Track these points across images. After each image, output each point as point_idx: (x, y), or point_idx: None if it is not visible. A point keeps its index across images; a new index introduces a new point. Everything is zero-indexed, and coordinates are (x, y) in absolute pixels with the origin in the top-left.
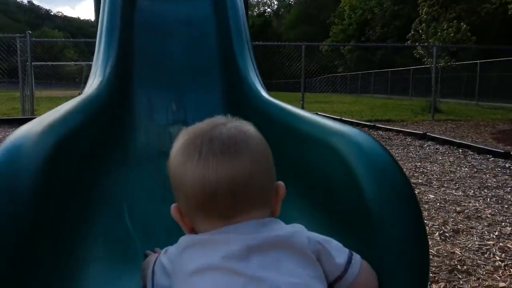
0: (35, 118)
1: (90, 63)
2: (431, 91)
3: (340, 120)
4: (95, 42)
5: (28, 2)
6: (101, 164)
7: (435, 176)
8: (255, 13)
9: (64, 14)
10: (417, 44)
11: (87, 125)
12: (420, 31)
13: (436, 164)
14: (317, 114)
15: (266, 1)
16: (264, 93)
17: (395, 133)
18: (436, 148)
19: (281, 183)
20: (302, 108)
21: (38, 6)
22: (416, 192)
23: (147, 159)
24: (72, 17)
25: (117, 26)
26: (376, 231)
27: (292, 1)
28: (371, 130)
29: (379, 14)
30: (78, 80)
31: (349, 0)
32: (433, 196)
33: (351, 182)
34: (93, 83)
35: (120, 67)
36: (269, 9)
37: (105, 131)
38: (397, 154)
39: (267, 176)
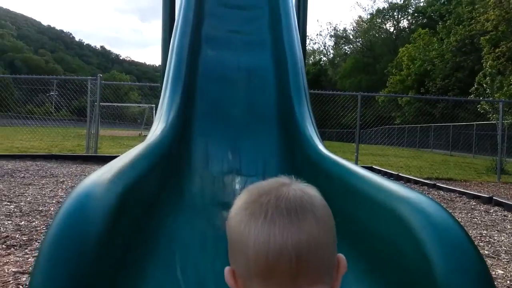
0: (97, 155)
1: (152, 105)
2: (497, 150)
3: (397, 177)
4: (158, 86)
5: (101, 47)
6: (160, 212)
7: (503, 247)
8: (310, 62)
9: (132, 58)
10: (481, 98)
11: (151, 172)
12: (485, 85)
13: (504, 234)
14: (372, 167)
15: (322, 50)
16: (321, 147)
17: (457, 194)
18: (504, 215)
19: (342, 255)
20: (356, 160)
21: (109, 50)
22: None
23: (201, 208)
24: (139, 62)
25: (183, 75)
26: None
27: (348, 51)
28: (431, 190)
29: (439, 65)
30: (140, 121)
31: (407, 50)
32: (502, 272)
33: (418, 254)
34: (157, 128)
35: (182, 113)
36: (324, 58)
37: (165, 177)
38: (460, 219)
39: (332, 246)
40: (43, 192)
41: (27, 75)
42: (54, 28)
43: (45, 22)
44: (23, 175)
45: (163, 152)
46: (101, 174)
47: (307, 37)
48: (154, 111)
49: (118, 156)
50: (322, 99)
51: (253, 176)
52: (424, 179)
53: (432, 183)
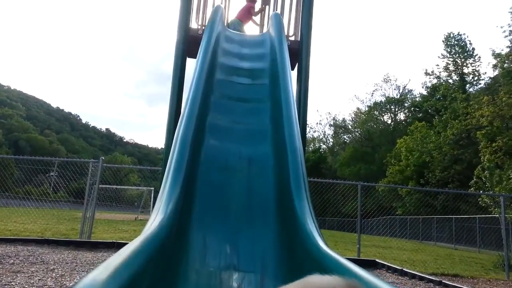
0: (91, 241)
1: (151, 188)
2: (502, 244)
3: (401, 272)
4: (159, 169)
5: (106, 129)
6: None
7: None
8: (310, 149)
9: (135, 141)
10: (481, 192)
11: (147, 268)
12: (484, 179)
13: None
14: (375, 261)
15: (322, 138)
16: (322, 244)
17: None
18: None
19: None
20: (359, 252)
21: (114, 133)
22: None
23: None
24: (141, 144)
25: (184, 164)
26: None
27: (347, 140)
28: (437, 287)
29: (438, 157)
30: (137, 204)
31: (405, 142)
32: None
33: None
34: (155, 219)
35: (181, 204)
36: (324, 146)
37: (162, 272)
38: None
39: None
40: (32, 281)
41: (30, 155)
42: (62, 110)
43: (54, 104)
44: (12, 261)
45: (160, 247)
46: (96, 275)
47: (307, 126)
48: (152, 194)
49: (112, 242)
50: (322, 187)
51: (251, 273)
52: (429, 274)
53: (438, 279)
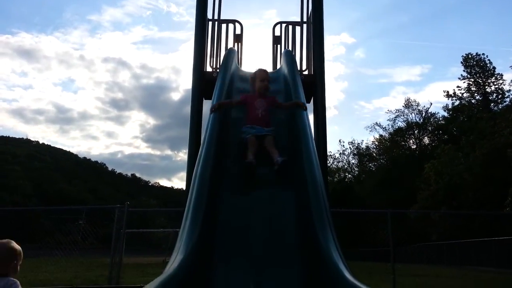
0: (119, 286)
1: (177, 230)
2: None
3: None
4: (184, 210)
5: (132, 174)
6: None
7: None
8: (335, 179)
9: (160, 183)
10: None
11: None
12: None
13: None
14: None
15: (347, 168)
16: (348, 276)
17: None
18: None
19: None
20: (394, 283)
21: (140, 178)
22: None
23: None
24: (166, 187)
25: (204, 202)
26: None
27: (373, 167)
28: None
29: (469, 179)
30: (164, 246)
31: (433, 166)
32: None
33: None
34: (175, 259)
35: (202, 243)
36: (349, 175)
37: None
38: None
39: None
40: None
41: (58, 205)
42: (89, 160)
43: (81, 155)
44: None
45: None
46: None
47: (330, 156)
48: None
49: (140, 286)
50: (351, 217)
51: None
52: None
53: None
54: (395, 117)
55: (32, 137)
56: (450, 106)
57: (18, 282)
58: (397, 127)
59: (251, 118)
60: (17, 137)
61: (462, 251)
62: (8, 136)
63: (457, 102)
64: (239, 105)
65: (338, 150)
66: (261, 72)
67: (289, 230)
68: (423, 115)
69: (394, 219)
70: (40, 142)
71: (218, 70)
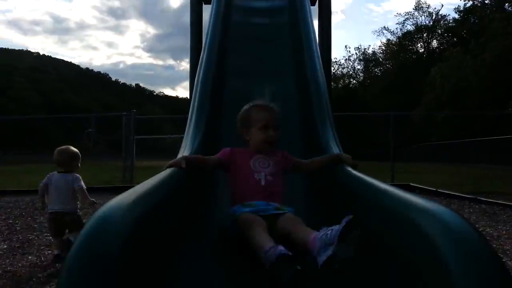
0: (133, 186)
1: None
2: None
3: (436, 192)
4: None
5: (136, 84)
6: (178, 242)
7: None
8: (339, 85)
9: (165, 93)
10: None
11: (171, 199)
12: None
13: None
14: (409, 185)
15: (352, 74)
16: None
17: (501, 207)
18: None
19: None
20: (392, 179)
21: (144, 87)
22: None
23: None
24: (171, 96)
25: (207, 105)
26: None
27: (378, 73)
28: (472, 203)
29: (475, 81)
30: (174, 151)
31: (440, 69)
32: None
33: (435, 263)
34: (182, 154)
35: (207, 143)
36: (354, 81)
37: (188, 206)
38: (504, 232)
39: None
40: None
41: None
42: (92, 70)
43: (83, 66)
44: None
45: (184, 181)
46: (121, 199)
47: (335, 63)
48: None
49: None
50: (354, 120)
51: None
52: (464, 194)
53: (473, 197)
54: (404, 20)
55: (32, 49)
56: (461, 8)
57: (80, 176)
58: (405, 30)
59: (245, 190)
60: (16, 48)
61: (461, 150)
62: (7, 48)
63: (470, 3)
64: (218, 168)
65: (344, 56)
66: (265, 112)
67: (292, 130)
68: (433, 17)
69: (397, 122)
70: (41, 53)
71: None
